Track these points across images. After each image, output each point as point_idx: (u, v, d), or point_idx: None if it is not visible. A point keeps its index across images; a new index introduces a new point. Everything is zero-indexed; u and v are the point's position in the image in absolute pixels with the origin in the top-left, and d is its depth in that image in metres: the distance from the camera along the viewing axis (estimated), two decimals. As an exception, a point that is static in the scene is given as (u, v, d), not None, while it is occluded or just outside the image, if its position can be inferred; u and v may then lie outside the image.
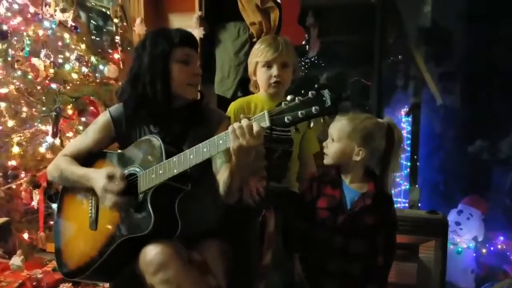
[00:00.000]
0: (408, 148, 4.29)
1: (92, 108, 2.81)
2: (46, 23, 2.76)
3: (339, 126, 1.79)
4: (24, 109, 2.70)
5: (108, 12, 3.28)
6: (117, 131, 1.83)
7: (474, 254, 3.52)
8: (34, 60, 2.65)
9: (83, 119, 2.82)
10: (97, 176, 1.65)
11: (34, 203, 2.64)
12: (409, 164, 4.25)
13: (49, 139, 2.61)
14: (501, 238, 3.62)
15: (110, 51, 3.10)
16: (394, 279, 2.57)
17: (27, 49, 2.64)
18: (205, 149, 1.47)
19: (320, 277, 1.82)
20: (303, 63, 4.62)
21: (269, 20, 2.80)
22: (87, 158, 1.83)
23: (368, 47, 4.09)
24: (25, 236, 2.71)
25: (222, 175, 1.64)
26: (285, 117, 1.32)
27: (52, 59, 2.69)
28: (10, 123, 2.65)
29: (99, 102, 2.79)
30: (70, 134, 2.76)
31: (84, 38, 2.93)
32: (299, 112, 1.30)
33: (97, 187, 1.64)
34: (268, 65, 2.02)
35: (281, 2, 2.88)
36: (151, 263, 1.49)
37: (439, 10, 4.34)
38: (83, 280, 1.83)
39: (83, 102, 2.81)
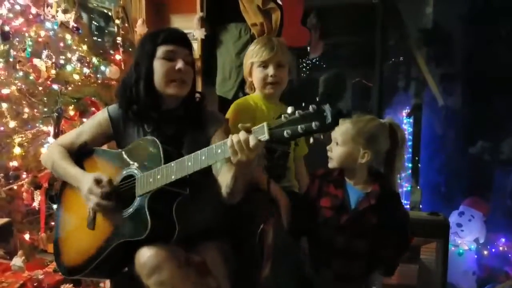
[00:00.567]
0: (410, 150, 4.29)
1: (93, 109, 2.81)
2: (48, 24, 2.77)
3: (343, 130, 1.79)
4: (26, 110, 2.70)
5: (109, 13, 3.28)
6: (114, 129, 1.84)
7: (476, 256, 3.52)
8: (36, 61, 2.65)
9: (84, 120, 2.82)
10: (85, 179, 1.68)
11: (35, 204, 2.64)
12: (410, 165, 4.25)
13: (51, 140, 2.61)
14: (503, 239, 3.62)
15: (111, 52, 3.10)
16: (395, 280, 2.57)
17: (29, 50, 2.65)
18: (203, 157, 1.46)
19: (326, 273, 1.82)
20: (304, 64, 4.62)
21: (270, 21, 2.80)
22: (82, 152, 1.84)
23: (369, 48, 4.09)
24: (26, 237, 2.71)
25: (223, 177, 1.63)
26: (285, 131, 1.30)
27: (53, 60, 2.69)
28: (12, 124, 2.65)
29: (101, 103, 2.79)
30: (71, 135, 2.76)
31: (86, 39, 2.93)
32: (299, 126, 1.28)
33: (83, 189, 1.67)
34: (264, 65, 2.04)
35: (283, 3, 2.89)
36: (145, 266, 1.49)
37: (440, 11, 4.34)
38: (81, 277, 1.83)
39: (85, 103, 2.81)
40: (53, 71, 2.69)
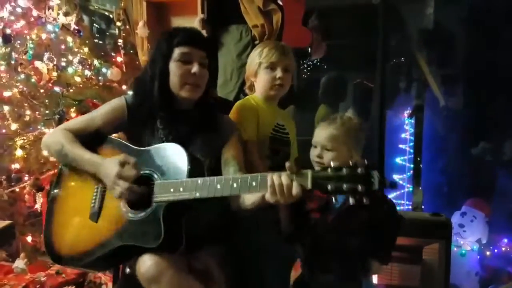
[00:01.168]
0: (411, 150, 4.29)
1: (95, 111, 2.82)
2: (49, 27, 2.78)
3: (331, 135, 1.81)
4: (28, 112, 2.71)
5: (111, 16, 3.30)
6: (129, 118, 1.76)
7: (478, 257, 3.51)
8: (37, 64, 2.66)
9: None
10: (107, 163, 1.57)
11: (37, 206, 2.65)
12: (412, 166, 4.25)
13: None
14: (505, 240, 3.61)
15: (113, 54, 3.12)
16: (397, 281, 2.57)
17: (30, 52, 2.66)
18: (235, 184, 1.41)
19: (322, 272, 1.83)
20: (305, 65, 4.62)
21: (271, 22, 2.80)
22: (93, 139, 1.74)
23: (370, 49, 4.08)
24: (29, 239, 2.72)
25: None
26: (328, 185, 1.27)
27: (55, 63, 2.71)
28: (14, 126, 2.67)
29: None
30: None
31: (87, 42, 2.95)
32: (344, 185, 1.25)
33: (108, 173, 1.55)
34: (272, 66, 2.02)
35: (284, 4, 2.89)
36: (146, 275, 1.48)
37: (441, 12, 4.33)
38: (76, 267, 1.78)
39: (86, 105, 2.82)
40: (54, 74, 2.70)
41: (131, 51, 3.14)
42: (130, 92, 1.88)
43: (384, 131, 3.71)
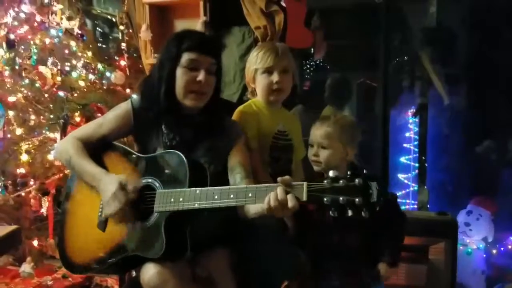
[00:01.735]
0: (416, 149, 4.27)
1: (99, 115, 2.83)
2: (53, 31, 2.79)
3: (326, 133, 1.83)
4: (32, 117, 2.72)
5: (113, 20, 3.31)
6: (135, 122, 1.76)
7: (484, 255, 3.50)
8: (42, 68, 2.67)
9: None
10: (108, 180, 1.58)
11: (43, 210, 2.66)
12: (417, 165, 4.23)
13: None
14: (511, 238, 3.59)
15: (116, 58, 3.13)
16: (404, 281, 2.56)
17: (34, 57, 2.67)
18: (231, 195, 1.41)
19: (325, 273, 1.83)
20: (308, 65, 4.62)
21: (273, 24, 2.80)
22: (100, 146, 1.74)
23: (373, 48, 4.08)
24: (35, 243, 2.72)
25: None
26: (324, 198, 1.25)
27: (59, 67, 2.72)
28: (19, 131, 2.68)
29: (106, 109, 2.81)
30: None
31: (91, 46, 2.96)
32: (341, 197, 1.23)
33: (105, 191, 1.57)
34: (268, 71, 1.97)
35: (287, 6, 2.89)
36: (149, 284, 1.49)
37: (444, 11, 4.32)
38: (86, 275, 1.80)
39: (91, 109, 2.83)
40: (58, 78, 2.71)
41: (135, 55, 3.15)
42: (134, 96, 1.88)
43: (388, 130, 3.71)
